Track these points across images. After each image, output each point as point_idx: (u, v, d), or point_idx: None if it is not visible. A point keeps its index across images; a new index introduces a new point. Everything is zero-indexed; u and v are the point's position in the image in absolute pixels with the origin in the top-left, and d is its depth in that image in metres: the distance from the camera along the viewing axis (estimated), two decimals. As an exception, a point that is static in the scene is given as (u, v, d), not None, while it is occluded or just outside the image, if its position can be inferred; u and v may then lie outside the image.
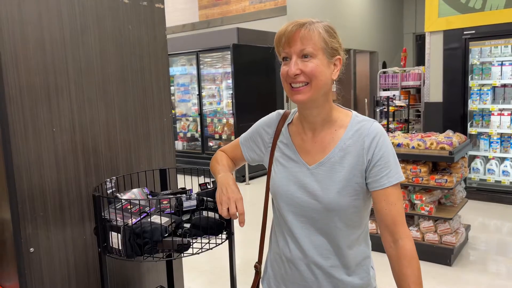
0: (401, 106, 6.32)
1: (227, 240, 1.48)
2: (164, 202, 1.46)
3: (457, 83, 5.14)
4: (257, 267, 1.34)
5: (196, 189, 1.56)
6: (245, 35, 6.89)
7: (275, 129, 1.28)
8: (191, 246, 1.38)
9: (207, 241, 1.42)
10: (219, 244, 1.44)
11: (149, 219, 1.36)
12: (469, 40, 5.02)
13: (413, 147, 3.49)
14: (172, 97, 7.79)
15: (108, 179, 1.60)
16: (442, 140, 3.43)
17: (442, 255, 3.40)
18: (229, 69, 6.84)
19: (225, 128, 7.15)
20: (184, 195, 1.44)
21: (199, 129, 7.50)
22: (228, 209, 1.19)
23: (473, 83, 5.15)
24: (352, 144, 1.14)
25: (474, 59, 5.18)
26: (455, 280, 3.18)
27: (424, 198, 3.43)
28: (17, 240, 1.49)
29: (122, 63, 1.81)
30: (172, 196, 1.51)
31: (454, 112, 5.18)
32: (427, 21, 5.37)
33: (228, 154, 1.42)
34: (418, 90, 6.45)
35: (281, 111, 1.32)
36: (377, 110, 6.49)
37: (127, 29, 1.82)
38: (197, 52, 7.17)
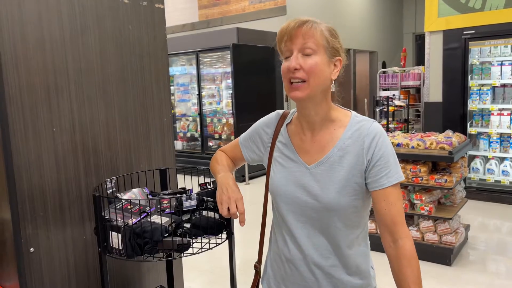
0: (400, 106, 6.32)
1: (227, 240, 1.48)
2: (164, 202, 1.46)
3: (456, 83, 5.14)
4: (257, 267, 1.34)
5: (196, 189, 1.56)
6: (244, 35, 6.90)
7: (274, 129, 1.28)
8: (191, 246, 1.38)
9: (207, 241, 1.42)
10: (219, 244, 1.44)
11: (149, 219, 1.36)
12: (468, 40, 5.02)
13: (412, 147, 3.49)
14: (172, 97, 7.79)
15: (108, 179, 1.60)
16: (442, 140, 3.43)
17: (441, 255, 3.41)
18: (228, 69, 6.84)
19: (225, 128, 7.15)
20: (184, 195, 1.44)
21: (198, 129, 7.50)
22: (228, 208, 1.20)
23: (473, 83, 5.15)
24: (351, 144, 1.14)
25: (473, 59, 5.19)
26: (455, 280, 3.18)
27: (423, 198, 3.43)
28: (17, 240, 1.49)
29: (122, 63, 1.81)
30: (172, 196, 1.51)
31: (453, 112, 5.19)
32: (427, 21, 5.37)
33: (227, 154, 1.42)
34: (418, 90, 6.45)
35: (280, 111, 1.32)
36: (377, 110, 6.49)
37: (127, 29, 1.82)
38: (197, 52, 7.17)
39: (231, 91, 6.75)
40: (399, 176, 1.13)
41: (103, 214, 1.40)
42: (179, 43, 7.32)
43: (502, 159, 5.16)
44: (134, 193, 1.58)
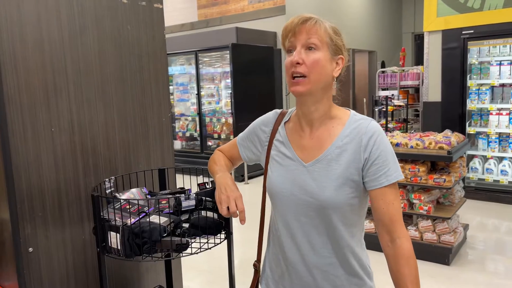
0: (399, 106, 6.33)
1: (226, 240, 1.48)
2: (162, 202, 1.46)
3: (455, 83, 5.15)
4: (256, 265, 1.34)
5: (195, 189, 1.56)
6: (244, 34, 6.89)
7: (272, 128, 1.28)
8: (190, 246, 1.38)
9: (205, 241, 1.42)
10: (218, 244, 1.44)
11: (148, 219, 1.36)
12: (467, 39, 5.03)
13: (411, 147, 3.49)
14: (171, 97, 7.78)
15: (107, 179, 1.60)
16: (441, 140, 3.44)
17: (440, 254, 3.41)
18: (228, 69, 6.84)
19: (224, 128, 7.15)
20: (183, 195, 1.44)
21: (198, 128, 7.50)
22: (228, 207, 1.20)
23: (472, 82, 5.16)
24: (349, 142, 1.14)
25: (472, 58, 5.19)
26: (454, 280, 3.19)
27: (422, 198, 3.44)
28: (16, 240, 1.49)
29: (121, 63, 1.81)
30: (170, 196, 1.51)
31: (452, 112, 5.19)
32: (426, 21, 5.38)
33: (225, 154, 1.43)
34: (417, 89, 6.45)
35: (278, 110, 1.32)
36: (376, 109, 6.50)
37: (126, 29, 1.82)
38: (196, 52, 7.17)
39: (230, 91, 6.75)
40: (398, 175, 1.13)
41: (101, 214, 1.40)
42: (178, 42, 7.31)
43: (500, 159, 5.17)
44: (133, 193, 1.58)
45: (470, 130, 5.23)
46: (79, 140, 1.66)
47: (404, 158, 3.48)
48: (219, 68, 7.22)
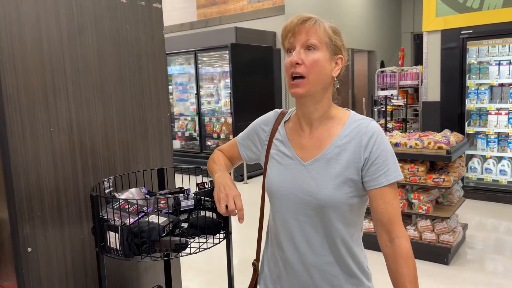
0: (399, 106, 6.33)
1: (225, 240, 1.48)
2: (161, 202, 1.46)
3: (454, 83, 5.15)
4: (255, 264, 1.34)
5: (194, 189, 1.56)
6: (243, 34, 6.89)
7: (272, 127, 1.29)
8: (189, 246, 1.38)
9: (204, 240, 1.42)
10: (217, 243, 1.44)
11: (146, 219, 1.36)
12: (466, 39, 5.03)
13: (410, 147, 3.50)
14: (170, 96, 7.79)
15: (105, 179, 1.60)
16: (440, 140, 3.44)
17: (439, 254, 3.42)
18: (227, 68, 6.84)
19: (223, 127, 7.15)
20: (182, 194, 1.44)
21: (197, 128, 7.50)
22: (227, 206, 1.20)
23: (471, 82, 5.16)
24: (349, 141, 1.14)
25: (471, 58, 5.19)
26: (453, 279, 3.19)
27: (421, 197, 3.44)
28: (14, 240, 1.49)
29: (120, 63, 1.81)
30: (169, 195, 1.51)
31: (451, 112, 5.20)
32: (425, 21, 5.38)
33: (225, 153, 1.43)
34: (416, 89, 6.46)
35: (278, 110, 1.33)
36: (375, 109, 6.50)
37: (124, 29, 1.82)
38: (195, 51, 7.17)
39: (229, 91, 6.75)
40: (398, 175, 1.13)
41: (100, 214, 1.39)
42: (177, 42, 7.31)
43: (499, 159, 5.17)
44: (132, 193, 1.58)
45: (469, 130, 5.23)
46: (78, 139, 1.66)
47: (403, 158, 3.49)
48: (218, 68, 7.22)
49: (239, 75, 6.66)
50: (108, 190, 1.59)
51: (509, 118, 4.94)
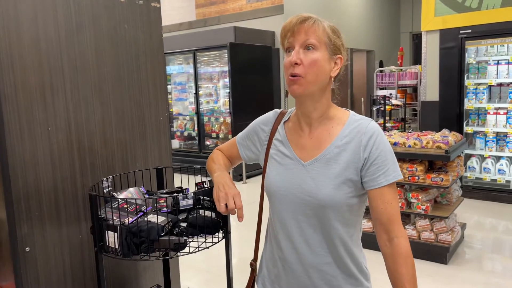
0: (397, 105, 6.34)
1: (224, 239, 1.48)
2: (160, 201, 1.45)
3: (453, 82, 5.16)
4: (253, 264, 1.34)
5: (192, 188, 1.55)
6: (242, 34, 6.89)
7: (271, 127, 1.28)
8: (188, 245, 1.38)
9: (203, 240, 1.42)
10: (216, 243, 1.44)
11: (145, 218, 1.36)
12: (465, 39, 5.03)
13: (409, 146, 3.50)
14: (169, 96, 7.78)
15: (104, 178, 1.60)
16: (438, 139, 3.44)
17: (438, 253, 3.42)
18: (226, 68, 6.83)
19: (222, 127, 7.14)
20: (181, 194, 1.44)
21: (196, 128, 7.49)
22: (226, 205, 1.20)
23: (469, 82, 5.17)
24: (348, 142, 1.14)
25: (470, 58, 5.20)
26: (451, 278, 3.20)
27: (420, 197, 3.44)
28: (12, 240, 1.48)
29: (118, 62, 1.81)
30: (168, 195, 1.51)
31: (450, 111, 5.20)
32: (424, 20, 5.38)
33: (224, 153, 1.43)
34: (415, 89, 6.47)
35: (278, 110, 1.33)
36: (374, 109, 6.51)
37: (123, 28, 1.82)
38: (194, 51, 7.16)
39: (228, 90, 6.74)
40: (397, 175, 1.13)
41: (99, 213, 1.39)
42: (176, 42, 7.30)
43: (498, 158, 5.18)
44: (131, 192, 1.57)
45: (467, 129, 5.24)
46: (76, 139, 1.65)
47: (402, 157, 3.49)
48: (217, 68, 7.22)
49: (238, 75, 6.65)
50: (107, 189, 1.58)
51: (507, 118, 4.95)
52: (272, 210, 1.25)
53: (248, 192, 5.85)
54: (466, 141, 3.98)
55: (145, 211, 1.41)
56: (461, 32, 5.04)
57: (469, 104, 5.17)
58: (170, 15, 8.89)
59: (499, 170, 5.05)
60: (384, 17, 10.84)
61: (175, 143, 7.91)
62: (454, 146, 3.47)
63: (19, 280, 1.50)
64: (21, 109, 1.48)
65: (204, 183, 1.51)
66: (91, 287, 1.73)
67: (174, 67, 7.81)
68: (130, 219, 1.35)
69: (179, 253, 1.37)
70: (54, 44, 1.57)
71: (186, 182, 1.79)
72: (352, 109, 1.25)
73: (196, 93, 7.34)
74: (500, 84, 5.08)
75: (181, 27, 8.87)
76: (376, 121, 6.07)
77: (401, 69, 6.50)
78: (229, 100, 6.69)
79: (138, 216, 1.37)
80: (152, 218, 1.35)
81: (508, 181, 5.00)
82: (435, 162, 3.58)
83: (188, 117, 7.76)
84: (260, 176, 1.33)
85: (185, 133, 7.73)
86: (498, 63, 4.99)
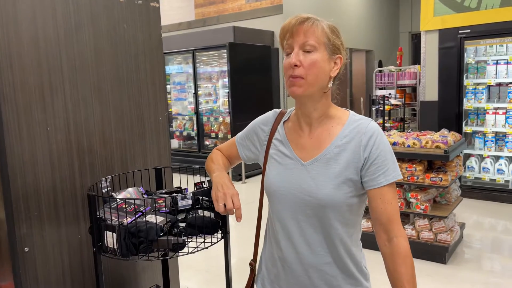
0: (396, 105, 6.34)
1: (223, 239, 1.48)
2: (159, 201, 1.45)
3: (452, 82, 5.16)
4: (252, 264, 1.34)
5: (191, 188, 1.55)
6: (241, 33, 6.89)
7: (271, 127, 1.28)
8: (187, 245, 1.38)
9: (202, 240, 1.42)
10: (215, 243, 1.43)
11: (144, 218, 1.35)
12: (464, 39, 5.04)
13: (408, 146, 3.50)
14: (168, 96, 7.77)
15: (103, 178, 1.60)
16: (437, 139, 3.44)
17: (437, 253, 3.42)
18: (225, 68, 6.83)
19: (222, 127, 7.14)
20: (180, 194, 1.43)
21: (195, 127, 7.49)
22: (224, 205, 1.20)
23: (468, 82, 5.17)
24: (348, 141, 1.14)
25: (469, 58, 5.20)
26: (450, 278, 3.20)
27: (419, 197, 3.45)
28: (11, 240, 1.48)
29: (117, 62, 1.81)
30: (167, 195, 1.51)
31: (449, 111, 5.21)
32: (423, 20, 5.39)
33: (223, 153, 1.42)
34: (414, 89, 6.47)
35: (277, 110, 1.33)
36: (373, 108, 6.51)
37: (122, 28, 1.82)
38: (193, 51, 7.16)
39: (227, 90, 6.74)
40: (397, 175, 1.14)
41: (98, 214, 1.39)
42: (175, 41, 7.30)
43: (497, 158, 5.19)
44: (129, 193, 1.57)
45: (466, 129, 5.25)
46: (75, 139, 1.65)
47: (401, 157, 3.49)
48: (216, 67, 7.21)
49: (237, 75, 6.65)
50: (106, 189, 1.58)
51: (506, 118, 4.95)
52: (271, 210, 1.25)
53: (247, 192, 5.85)
54: (465, 141, 3.98)
55: (144, 211, 1.41)
56: (460, 32, 5.04)
57: (468, 104, 5.18)
58: (169, 15, 8.88)
59: (498, 169, 5.06)
60: (383, 17, 10.85)
61: (174, 143, 7.91)
62: (453, 146, 3.47)
63: (18, 280, 1.50)
64: (20, 109, 1.48)
65: (203, 183, 1.50)
66: (90, 287, 1.72)
67: (173, 67, 7.80)
68: (129, 219, 1.34)
69: (178, 253, 1.37)
70: (53, 43, 1.56)
71: (185, 182, 1.79)
72: (351, 109, 1.25)
73: (195, 93, 7.33)
74: (499, 84, 5.09)
75: (180, 27, 8.87)
76: (375, 121, 6.07)
77: (400, 69, 6.50)
78: (228, 100, 6.69)
79: (137, 216, 1.37)
80: (151, 218, 1.35)
81: (507, 181, 5.01)
82: (434, 162, 3.58)
83: (187, 117, 7.75)
84: (260, 176, 1.32)
85: (184, 133, 7.73)
86: (497, 63, 5.00)
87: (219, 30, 7.06)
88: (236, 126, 6.59)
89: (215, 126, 7.24)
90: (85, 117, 1.68)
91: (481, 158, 5.25)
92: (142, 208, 1.41)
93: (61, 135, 1.60)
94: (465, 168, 5.21)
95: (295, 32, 1.11)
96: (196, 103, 7.35)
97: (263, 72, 7.12)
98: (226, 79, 6.79)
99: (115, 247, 1.32)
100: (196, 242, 1.41)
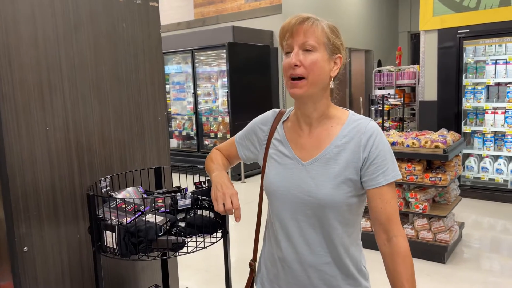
0: (396, 105, 6.34)
1: (222, 239, 1.47)
2: (158, 201, 1.45)
3: (451, 82, 5.17)
4: (252, 264, 1.34)
5: (191, 188, 1.55)
6: (240, 33, 6.88)
7: (270, 127, 1.28)
8: (186, 245, 1.38)
9: (202, 239, 1.41)
10: (214, 242, 1.43)
11: (143, 218, 1.35)
12: (463, 39, 5.04)
13: (407, 146, 3.50)
14: (168, 96, 7.77)
15: (102, 178, 1.59)
16: (437, 139, 3.45)
17: (436, 252, 3.43)
18: (224, 68, 6.83)
19: (221, 127, 7.14)
20: (179, 193, 1.43)
21: (194, 127, 7.48)
22: (224, 205, 1.20)
23: (467, 81, 5.17)
24: (348, 141, 1.14)
25: (468, 57, 5.21)
26: (449, 278, 3.20)
27: (418, 196, 3.45)
28: (10, 239, 1.48)
29: (116, 61, 1.80)
30: (167, 195, 1.50)
31: (448, 111, 5.21)
32: (422, 20, 5.39)
33: (223, 153, 1.42)
34: (413, 88, 6.47)
35: (276, 110, 1.32)
36: (372, 108, 6.51)
37: (121, 27, 1.81)
38: (192, 50, 7.15)
39: (227, 90, 6.74)
40: (396, 174, 1.14)
41: (97, 213, 1.39)
42: (174, 41, 7.29)
43: (496, 158, 5.19)
44: (129, 192, 1.57)
45: (465, 129, 5.25)
46: (74, 138, 1.65)
47: (400, 157, 3.49)
48: (215, 67, 7.21)
49: (237, 74, 6.65)
50: (105, 189, 1.58)
51: (505, 117, 4.96)
52: (271, 209, 1.25)
53: (247, 191, 5.85)
54: (464, 140, 3.99)
55: (143, 210, 1.41)
56: (459, 31, 5.05)
57: (467, 103, 5.18)
58: (168, 15, 8.87)
59: (497, 169, 5.06)
60: (383, 17, 10.85)
61: (174, 143, 7.90)
62: (452, 146, 3.48)
63: (17, 280, 1.50)
64: (18, 107, 1.47)
65: (203, 183, 1.50)
66: (89, 287, 1.72)
67: (173, 67, 7.80)
68: (128, 219, 1.34)
69: (177, 253, 1.37)
70: (52, 42, 1.56)
71: (185, 181, 1.79)
72: (350, 108, 1.25)
73: (195, 93, 7.33)
74: (498, 84, 5.09)
75: (179, 27, 8.86)
76: (375, 120, 6.07)
77: (399, 69, 6.51)
78: (228, 100, 6.68)
79: (136, 216, 1.37)
80: (150, 218, 1.35)
81: (506, 181, 5.02)
82: (433, 162, 3.58)
83: (186, 117, 7.75)
84: (259, 176, 1.32)
85: (184, 133, 7.73)
86: (496, 63, 5.00)
87: (218, 29, 7.06)
88: (235, 126, 6.59)
89: (214, 126, 7.24)
90: (84, 116, 1.68)
91: (480, 157, 5.26)
92: (141, 208, 1.41)
93: (60, 134, 1.60)
94: (464, 167, 5.22)
95: (295, 32, 1.10)
96: (195, 103, 7.35)
97: (262, 72, 7.12)
98: (225, 79, 6.78)
99: (115, 246, 1.31)
100: (196, 241, 1.41)
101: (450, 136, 3.57)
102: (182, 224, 1.41)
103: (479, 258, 3.55)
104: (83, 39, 1.67)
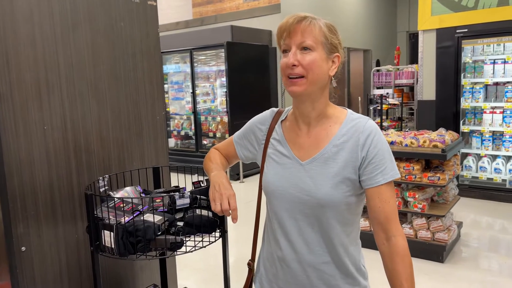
0: (394, 104, 6.35)
1: (221, 238, 1.47)
2: (157, 201, 1.45)
3: (450, 81, 5.17)
4: (250, 264, 1.34)
5: (189, 187, 1.55)
6: (239, 33, 6.88)
7: (269, 126, 1.28)
8: (184, 244, 1.38)
9: (200, 239, 1.41)
10: (213, 242, 1.43)
11: (142, 218, 1.35)
12: (461, 38, 5.05)
13: (406, 145, 3.51)
14: (166, 95, 7.76)
15: (100, 177, 1.59)
16: (435, 138, 3.45)
17: (434, 252, 3.43)
18: (223, 67, 6.82)
19: (219, 126, 7.13)
20: (177, 193, 1.43)
21: (193, 127, 7.48)
22: (221, 205, 1.19)
23: (466, 81, 5.18)
24: (346, 140, 1.14)
25: (466, 57, 5.21)
26: (448, 277, 3.21)
27: (417, 196, 3.45)
28: (8, 239, 1.47)
29: (114, 60, 1.80)
30: (165, 194, 1.50)
31: (446, 110, 5.22)
32: (420, 20, 5.39)
33: (221, 152, 1.42)
34: (412, 88, 6.48)
35: (275, 109, 1.32)
36: (371, 108, 6.51)
37: (119, 26, 1.81)
38: (191, 50, 7.14)
39: (225, 89, 6.73)
40: (395, 174, 1.13)
41: (95, 213, 1.38)
42: (173, 41, 7.28)
43: (494, 157, 5.20)
44: (127, 191, 1.57)
45: (464, 128, 5.26)
46: (72, 137, 1.64)
47: (399, 156, 3.50)
48: (214, 67, 7.20)
49: (235, 74, 6.64)
50: (103, 188, 1.58)
51: (503, 117, 4.97)
52: (270, 209, 1.25)
53: (246, 191, 5.85)
54: (462, 140, 3.99)
55: (141, 210, 1.40)
56: (457, 31, 5.05)
57: (466, 103, 5.19)
58: (166, 14, 8.86)
59: (495, 169, 5.07)
60: (381, 17, 10.86)
61: (172, 142, 7.89)
62: (451, 145, 3.48)
63: (15, 279, 1.49)
64: (16, 107, 1.47)
65: (201, 182, 1.50)
66: (88, 286, 1.72)
67: (171, 66, 7.79)
68: (127, 218, 1.34)
69: (175, 252, 1.37)
70: (49, 41, 1.56)
71: (183, 181, 1.78)
72: (349, 108, 1.25)
73: (193, 92, 7.32)
74: (497, 83, 5.10)
75: (178, 26, 8.85)
76: (373, 120, 6.08)
77: (398, 68, 6.51)
78: (226, 99, 6.68)
79: (135, 215, 1.37)
80: (149, 217, 1.34)
81: (504, 180, 5.03)
82: (431, 161, 3.58)
83: (185, 116, 7.74)
84: (257, 175, 1.32)
85: (182, 132, 7.72)
86: (494, 62, 5.01)
87: (217, 29, 7.05)
88: (234, 125, 6.58)
89: (213, 125, 7.23)
90: (82, 116, 1.68)
91: (479, 157, 5.27)
92: (139, 207, 1.41)
93: (58, 133, 1.60)
94: (462, 167, 5.22)
95: (293, 31, 1.10)
96: (194, 102, 7.34)
97: (261, 71, 7.12)
98: (224, 79, 6.78)
99: (113, 246, 1.31)
100: (194, 241, 1.41)
101: (448, 136, 3.58)
102: (181, 223, 1.41)
103: (477, 257, 3.56)
104: (81, 38, 1.66)
